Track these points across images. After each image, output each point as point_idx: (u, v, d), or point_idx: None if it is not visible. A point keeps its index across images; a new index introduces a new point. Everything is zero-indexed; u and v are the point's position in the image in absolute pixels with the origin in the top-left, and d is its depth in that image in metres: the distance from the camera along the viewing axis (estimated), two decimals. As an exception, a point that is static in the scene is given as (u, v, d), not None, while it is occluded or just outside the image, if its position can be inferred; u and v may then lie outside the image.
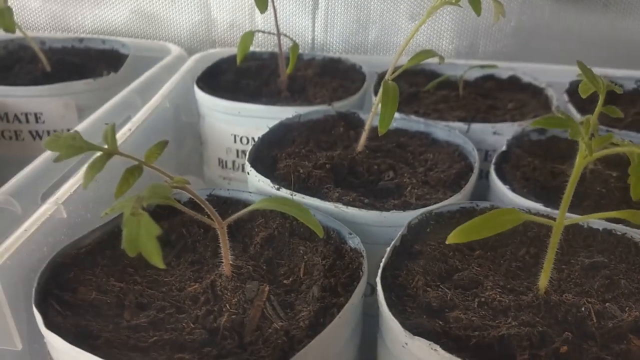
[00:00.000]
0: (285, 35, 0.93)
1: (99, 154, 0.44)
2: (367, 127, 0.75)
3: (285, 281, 0.56)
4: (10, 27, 0.96)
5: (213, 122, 0.91)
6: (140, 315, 0.51)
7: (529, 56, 1.16)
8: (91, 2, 1.29)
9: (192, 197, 0.50)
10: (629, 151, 0.40)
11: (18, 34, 0.98)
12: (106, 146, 0.45)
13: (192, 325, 0.49)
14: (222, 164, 0.93)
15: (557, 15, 1.20)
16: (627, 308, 0.51)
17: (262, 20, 1.25)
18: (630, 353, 0.47)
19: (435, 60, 1.12)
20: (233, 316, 0.49)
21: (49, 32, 1.35)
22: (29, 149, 0.98)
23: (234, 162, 0.92)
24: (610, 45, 1.20)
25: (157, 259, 0.38)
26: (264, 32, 0.91)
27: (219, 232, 0.51)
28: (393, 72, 0.72)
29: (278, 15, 1.25)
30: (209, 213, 0.50)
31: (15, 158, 0.95)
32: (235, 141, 0.89)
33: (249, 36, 0.88)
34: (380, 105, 0.67)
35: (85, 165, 0.67)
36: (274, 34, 0.93)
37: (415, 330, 0.47)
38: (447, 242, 0.45)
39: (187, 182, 0.45)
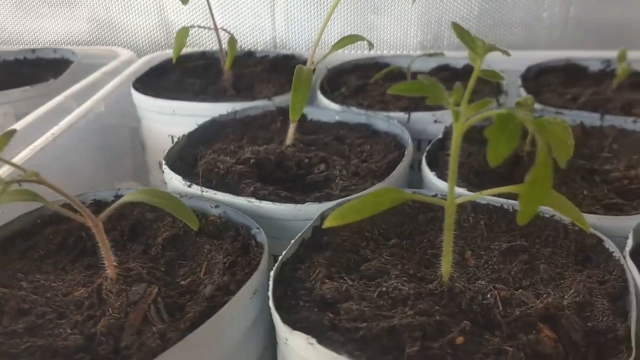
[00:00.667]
0: (224, 30, 0.90)
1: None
2: (292, 119, 0.72)
3: (182, 282, 0.52)
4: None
5: (150, 124, 0.88)
6: (19, 321, 0.48)
7: (494, 44, 1.12)
8: (48, 14, 1.28)
9: (63, 196, 0.46)
10: (494, 114, 0.36)
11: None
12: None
13: (69, 330, 0.46)
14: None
15: (520, 2, 1.16)
16: (545, 295, 0.47)
17: (220, 20, 1.22)
18: (540, 343, 0.42)
19: (389, 53, 1.10)
20: (112, 320, 0.46)
21: (15, 46, 1.34)
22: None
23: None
24: (577, 28, 1.15)
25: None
26: (200, 27, 0.88)
27: (94, 231, 0.48)
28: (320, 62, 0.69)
29: (236, 13, 1.23)
30: (80, 211, 0.47)
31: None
32: (173, 142, 0.86)
33: (183, 33, 0.85)
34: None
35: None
36: (211, 28, 0.90)
37: (299, 324, 0.43)
38: (323, 227, 0.41)
39: (36, 174, 0.42)
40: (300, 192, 0.64)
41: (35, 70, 1.10)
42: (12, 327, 0.47)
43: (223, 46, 0.92)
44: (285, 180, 0.68)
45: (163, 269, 0.53)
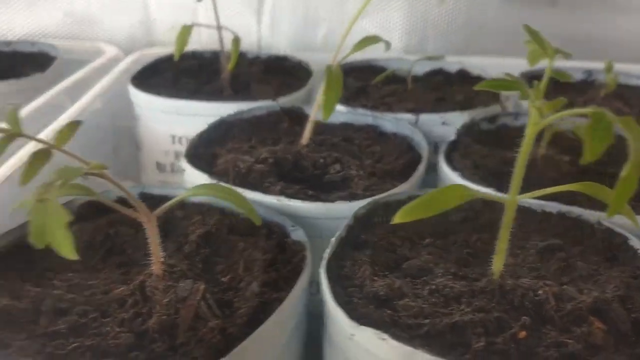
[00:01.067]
0: (228, 29, 0.89)
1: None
2: (311, 119, 0.72)
3: (223, 279, 0.51)
4: None
5: (149, 123, 0.86)
6: (59, 321, 0.46)
7: (478, 51, 1.15)
8: (20, 5, 1.22)
9: (119, 189, 0.45)
10: (586, 112, 0.37)
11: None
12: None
13: (117, 329, 0.44)
14: (160, 167, 0.88)
15: (504, 10, 1.20)
16: (585, 290, 0.49)
17: (205, 19, 1.20)
18: (592, 335, 0.44)
19: (383, 56, 1.11)
20: (163, 317, 0.45)
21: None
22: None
23: (172, 165, 0.87)
24: (558, 39, 1.19)
25: (67, 249, 0.34)
26: (203, 25, 0.87)
27: (146, 227, 0.47)
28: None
29: (221, 14, 1.21)
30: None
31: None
32: (174, 142, 0.85)
33: (186, 30, 0.84)
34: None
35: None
36: (214, 27, 0.89)
37: (362, 320, 0.43)
38: (392, 222, 0.41)
39: (104, 167, 0.41)
40: (319, 191, 0.64)
41: (12, 64, 1.05)
42: (53, 328, 0.45)
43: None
44: (302, 179, 0.68)
45: (200, 266, 0.52)
